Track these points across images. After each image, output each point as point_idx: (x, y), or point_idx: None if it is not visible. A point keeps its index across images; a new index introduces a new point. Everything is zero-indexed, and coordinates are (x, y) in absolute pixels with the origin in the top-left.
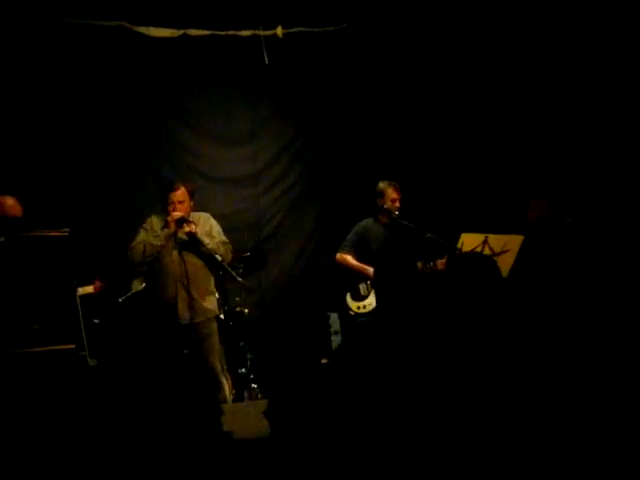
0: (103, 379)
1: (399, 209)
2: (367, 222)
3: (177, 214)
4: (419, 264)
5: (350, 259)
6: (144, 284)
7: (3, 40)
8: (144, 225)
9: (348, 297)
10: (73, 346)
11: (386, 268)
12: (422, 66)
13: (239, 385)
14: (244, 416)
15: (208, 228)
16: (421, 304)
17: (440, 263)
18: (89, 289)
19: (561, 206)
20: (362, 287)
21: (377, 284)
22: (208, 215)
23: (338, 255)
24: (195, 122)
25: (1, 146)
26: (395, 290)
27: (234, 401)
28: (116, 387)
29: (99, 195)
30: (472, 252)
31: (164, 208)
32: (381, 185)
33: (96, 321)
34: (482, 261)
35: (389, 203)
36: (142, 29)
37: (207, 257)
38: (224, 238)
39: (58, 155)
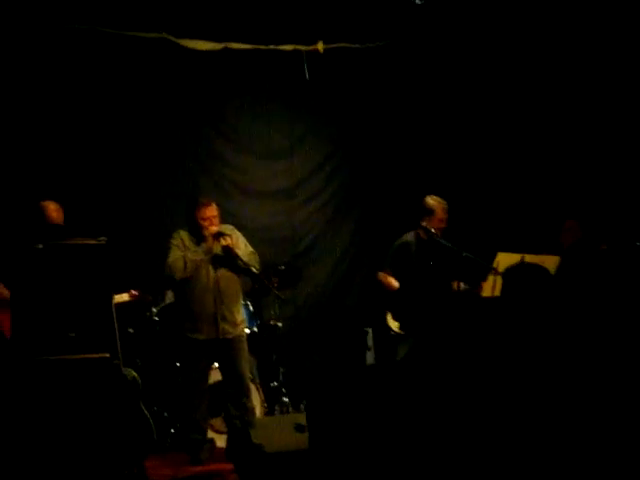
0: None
1: (443, 230)
2: (410, 237)
3: (214, 228)
4: (462, 285)
5: (392, 281)
6: None
7: (47, 51)
8: (173, 241)
9: (389, 317)
10: (107, 355)
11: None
12: (460, 85)
13: (271, 398)
14: (275, 429)
15: (235, 240)
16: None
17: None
18: (124, 297)
19: (596, 230)
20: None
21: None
22: (232, 227)
23: (380, 274)
24: (234, 135)
25: (43, 155)
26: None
27: (265, 414)
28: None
29: (137, 205)
30: (525, 264)
31: (195, 224)
32: (431, 202)
33: (131, 330)
34: (539, 273)
35: (437, 222)
36: (184, 41)
37: (241, 270)
38: (251, 248)
39: (98, 164)
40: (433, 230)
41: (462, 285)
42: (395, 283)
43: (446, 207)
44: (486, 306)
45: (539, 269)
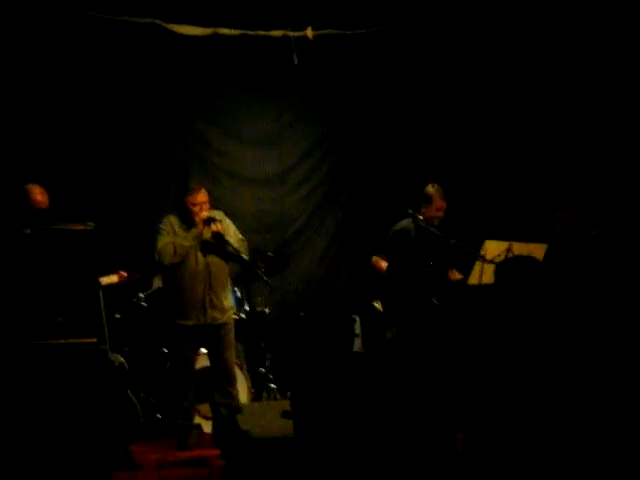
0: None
1: (440, 219)
2: (408, 223)
3: (205, 214)
4: (455, 274)
5: (385, 264)
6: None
7: (37, 35)
8: (163, 227)
9: (377, 302)
10: (95, 340)
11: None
12: (451, 72)
13: (258, 385)
14: (262, 415)
15: (225, 226)
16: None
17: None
18: (113, 278)
19: (587, 216)
20: None
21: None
22: (222, 213)
23: (374, 258)
24: (222, 121)
25: (30, 139)
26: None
27: (253, 400)
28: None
29: (125, 190)
30: (518, 256)
31: (185, 209)
32: (431, 190)
33: (118, 316)
34: (530, 265)
35: (434, 211)
36: (173, 27)
37: (230, 256)
38: (240, 235)
39: (87, 149)
40: (421, 217)
41: (457, 274)
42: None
43: (444, 197)
44: (473, 294)
45: (530, 260)
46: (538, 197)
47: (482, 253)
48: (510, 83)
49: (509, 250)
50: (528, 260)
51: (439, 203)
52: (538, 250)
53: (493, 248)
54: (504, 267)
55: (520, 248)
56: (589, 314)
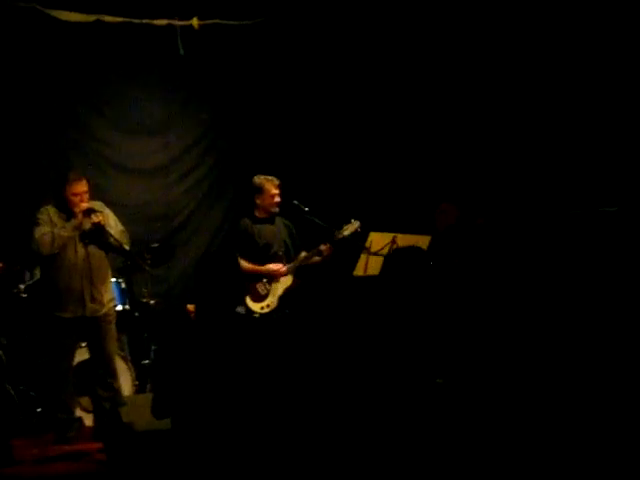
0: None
1: (279, 204)
2: (245, 222)
3: (85, 205)
4: (303, 253)
5: (243, 263)
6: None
7: None
8: (40, 216)
9: (248, 299)
10: None
11: None
12: (333, 62)
13: (142, 377)
14: (146, 408)
15: (105, 217)
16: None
17: (325, 249)
18: None
19: (472, 207)
20: (260, 287)
21: None
22: (101, 203)
23: None
24: (107, 111)
25: None
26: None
27: (136, 392)
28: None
29: (4, 179)
30: (404, 247)
31: (63, 199)
32: (258, 181)
33: None
34: (415, 254)
35: (269, 199)
36: (54, 12)
37: (111, 247)
38: (121, 227)
39: None
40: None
41: (304, 253)
42: (248, 265)
43: (276, 183)
44: (359, 285)
45: (416, 250)
46: (423, 189)
47: (367, 245)
48: (399, 73)
49: (394, 242)
50: (414, 250)
51: (272, 191)
52: (422, 242)
53: (378, 240)
54: (392, 259)
55: (404, 240)
56: (474, 303)
